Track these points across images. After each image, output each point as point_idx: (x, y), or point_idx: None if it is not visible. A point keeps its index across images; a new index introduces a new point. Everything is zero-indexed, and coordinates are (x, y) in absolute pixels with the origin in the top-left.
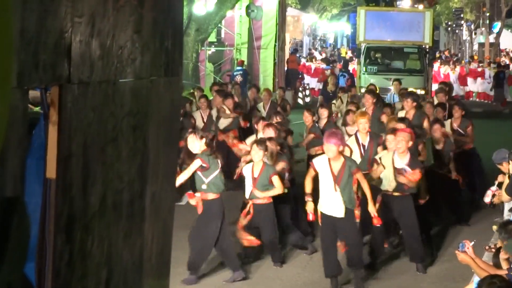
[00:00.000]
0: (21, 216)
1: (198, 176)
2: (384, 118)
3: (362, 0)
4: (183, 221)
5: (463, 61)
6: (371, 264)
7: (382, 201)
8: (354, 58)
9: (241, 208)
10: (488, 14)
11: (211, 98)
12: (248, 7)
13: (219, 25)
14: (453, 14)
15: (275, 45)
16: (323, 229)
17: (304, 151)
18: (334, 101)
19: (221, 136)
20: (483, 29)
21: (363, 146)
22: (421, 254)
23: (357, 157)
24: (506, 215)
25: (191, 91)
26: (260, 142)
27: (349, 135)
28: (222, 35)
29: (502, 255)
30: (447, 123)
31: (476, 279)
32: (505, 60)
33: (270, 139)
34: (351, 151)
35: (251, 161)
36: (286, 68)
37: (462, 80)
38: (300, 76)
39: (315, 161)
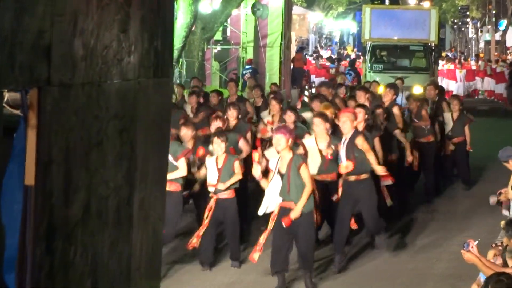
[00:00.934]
0: None
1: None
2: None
3: None
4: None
5: (469, 59)
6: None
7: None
8: (360, 56)
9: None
10: (494, 11)
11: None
12: (254, 6)
13: (225, 23)
14: (459, 11)
15: (281, 44)
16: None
17: None
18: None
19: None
20: (489, 26)
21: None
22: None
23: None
24: None
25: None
26: (221, 134)
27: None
28: (228, 34)
29: (509, 253)
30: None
31: (484, 277)
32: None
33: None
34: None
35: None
36: (292, 67)
37: (469, 77)
38: (306, 74)
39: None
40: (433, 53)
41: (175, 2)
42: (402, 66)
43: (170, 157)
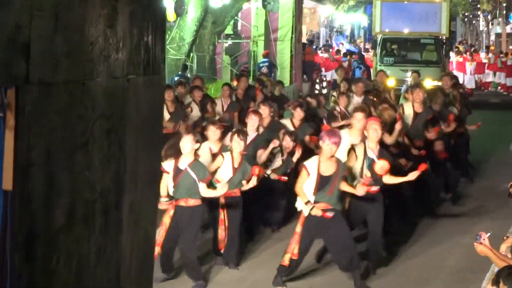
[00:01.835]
0: None
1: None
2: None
3: None
4: None
5: (479, 52)
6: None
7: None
8: (370, 50)
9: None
10: (504, 4)
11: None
12: None
13: (235, 17)
14: (469, 4)
15: (291, 37)
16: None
17: None
18: (334, 93)
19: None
20: (500, 19)
21: None
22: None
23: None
24: None
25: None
26: (241, 133)
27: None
28: (239, 28)
29: None
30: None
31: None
32: None
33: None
34: None
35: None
36: (302, 60)
37: (480, 69)
38: (316, 67)
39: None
40: (444, 46)
41: None
42: (413, 59)
43: (193, 174)
